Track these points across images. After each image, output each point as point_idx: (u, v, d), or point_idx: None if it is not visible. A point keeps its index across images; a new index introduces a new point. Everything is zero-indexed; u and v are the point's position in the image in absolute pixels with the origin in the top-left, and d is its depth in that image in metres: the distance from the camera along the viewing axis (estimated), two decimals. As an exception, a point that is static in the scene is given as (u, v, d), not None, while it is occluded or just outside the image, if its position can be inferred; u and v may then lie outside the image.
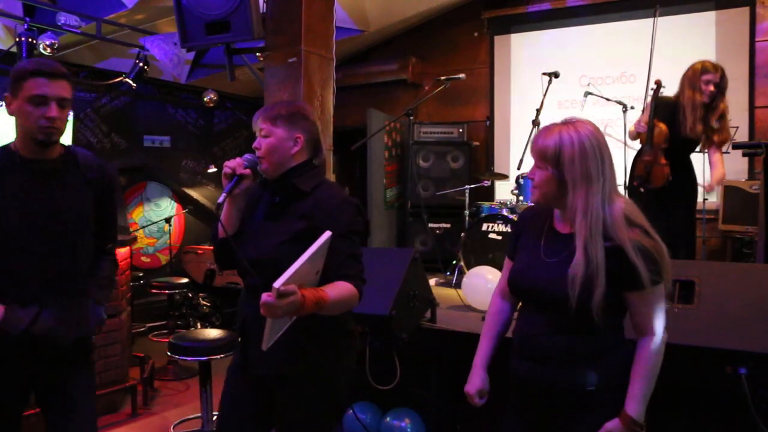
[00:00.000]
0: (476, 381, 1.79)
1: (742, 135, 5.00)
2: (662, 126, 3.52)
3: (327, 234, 1.64)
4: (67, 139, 5.40)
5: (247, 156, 1.88)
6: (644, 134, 3.55)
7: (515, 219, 4.42)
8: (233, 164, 1.84)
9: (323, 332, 1.84)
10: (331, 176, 3.76)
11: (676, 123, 3.53)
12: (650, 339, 1.58)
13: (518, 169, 4.26)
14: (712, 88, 3.48)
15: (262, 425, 1.94)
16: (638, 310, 1.58)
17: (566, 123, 1.60)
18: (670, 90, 3.69)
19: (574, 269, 1.53)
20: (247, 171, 1.84)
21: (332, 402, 1.91)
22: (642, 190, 3.55)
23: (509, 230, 4.42)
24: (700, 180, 3.77)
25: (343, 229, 1.77)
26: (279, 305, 1.46)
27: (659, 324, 1.59)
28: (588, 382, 1.58)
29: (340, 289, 1.69)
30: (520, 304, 1.79)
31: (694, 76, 3.53)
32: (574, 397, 1.60)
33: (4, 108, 1.94)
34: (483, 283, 3.47)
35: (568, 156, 1.54)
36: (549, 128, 1.60)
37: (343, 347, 1.93)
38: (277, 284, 1.46)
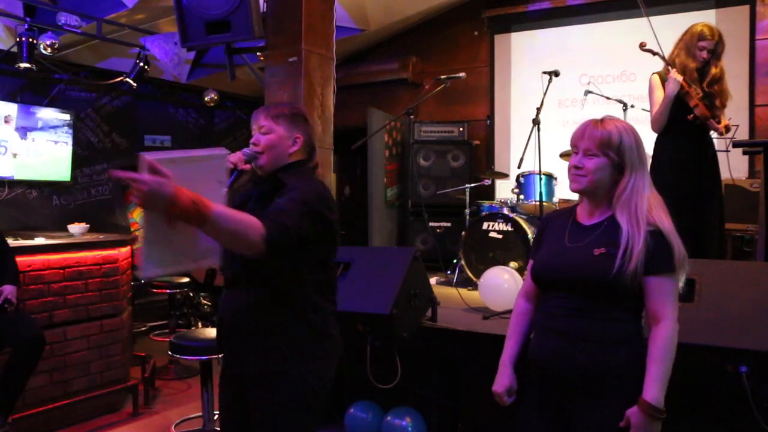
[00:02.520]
0: (504, 380, 1.81)
1: (742, 133, 5.00)
2: (677, 65, 3.49)
3: (222, 150, 1.62)
4: (67, 139, 5.42)
5: (246, 150, 1.90)
6: (688, 83, 3.44)
7: (515, 218, 4.42)
8: (234, 159, 1.88)
9: (297, 334, 1.81)
10: (331, 175, 3.76)
11: (685, 102, 3.50)
12: (666, 324, 1.60)
13: (519, 168, 4.25)
14: (705, 55, 3.46)
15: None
16: (657, 295, 1.61)
17: (609, 117, 1.73)
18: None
19: (614, 247, 1.60)
20: (248, 166, 1.88)
21: (304, 406, 1.83)
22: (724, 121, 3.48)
23: (510, 229, 4.42)
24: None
25: (296, 196, 1.75)
26: (145, 180, 1.36)
27: (674, 312, 1.62)
28: (616, 364, 1.60)
29: (236, 213, 1.55)
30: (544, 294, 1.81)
31: (691, 40, 3.49)
32: (599, 381, 1.61)
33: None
34: (500, 283, 3.45)
35: (628, 142, 1.67)
36: (599, 120, 1.71)
37: (319, 350, 1.86)
38: (147, 155, 1.40)
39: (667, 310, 1.61)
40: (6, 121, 5.10)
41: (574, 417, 1.64)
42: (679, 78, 3.45)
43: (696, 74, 3.49)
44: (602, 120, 1.70)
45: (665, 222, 1.63)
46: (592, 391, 1.61)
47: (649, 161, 3.87)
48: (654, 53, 3.65)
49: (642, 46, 3.67)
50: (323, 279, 1.88)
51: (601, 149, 1.65)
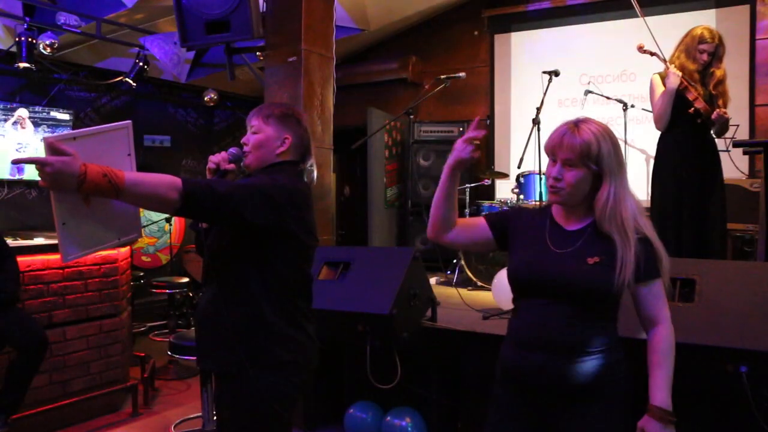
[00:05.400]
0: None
1: (742, 133, 4.99)
2: (676, 66, 3.51)
3: (127, 122, 1.63)
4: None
5: (232, 150, 1.89)
6: (683, 81, 3.47)
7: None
8: (217, 159, 1.86)
9: (253, 336, 1.75)
10: (331, 175, 3.76)
11: (685, 98, 3.51)
12: (664, 327, 1.62)
13: (518, 167, 4.25)
14: (705, 57, 3.48)
15: None
16: (651, 300, 1.62)
17: (584, 120, 1.64)
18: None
19: (606, 256, 1.58)
20: (231, 166, 1.86)
21: (252, 413, 1.75)
22: (723, 114, 3.45)
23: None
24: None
25: (246, 180, 1.75)
26: (48, 161, 1.37)
27: (668, 313, 1.63)
28: (609, 372, 1.59)
29: (151, 175, 1.54)
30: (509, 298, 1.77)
31: (691, 42, 3.50)
32: (585, 390, 1.58)
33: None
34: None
35: (606, 149, 1.59)
36: (575, 126, 1.62)
37: (277, 357, 1.76)
38: (47, 136, 1.41)
39: (664, 313, 1.63)
40: (22, 125, 5.16)
41: (563, 427, 1.61)
42: (678, 72, 3.47)
43: (697, 75, 3.50)
44: (578, 126, 1.61)
45: (649, 227, 1.62)
46: (579, 400, 1.59)
47: (652, 161, 3.92)
48: (652, 54, 3.66)
49: (640, 48, 3.68)
50: (290, 279, 1.80)
51: (581, 160, 1.58)
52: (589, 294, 1.58)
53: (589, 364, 1.58)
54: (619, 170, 1.61)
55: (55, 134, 1.44)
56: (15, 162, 1.49)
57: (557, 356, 1.58)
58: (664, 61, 3.59)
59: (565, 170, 1.61)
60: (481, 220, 1.80)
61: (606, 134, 1.61)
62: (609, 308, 1.62)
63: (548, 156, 1.66)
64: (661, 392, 1.56)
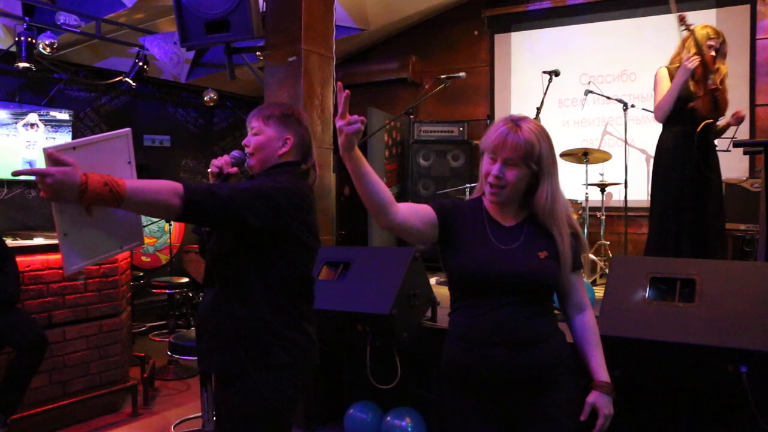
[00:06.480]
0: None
1: (742, 133, 4.99)
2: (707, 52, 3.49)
3: (127, 130, 1.63)
4: (67, 139, 5.42)
5: (234, 153, 1.89)
6: (699, 67, 3.46)
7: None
8: (220, 162, 1.86)
9: (254, 338, 1.75)
10: (331, 175, 3.75)
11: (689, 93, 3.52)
12: (591, 311, 1.76)
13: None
14: (713, 53, 3.51)
15: None
16: (579, 288, 1.74)
17: (523, 119, 1.65)
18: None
19: (551, 250, 1.66)
20: (234, 169, 1.86)
21: (255, 416, 1.75)
22: (716, 123, 3.48)
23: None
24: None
25: (247, 183, 1.74)
26: (49, 172, 1.37)
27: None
28: (559, 358, 1.66)
29: (152, 182, 1.53)
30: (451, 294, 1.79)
31: (701, 39, 3.50)
32: (544, 376, 1.63)
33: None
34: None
35: (546, 150, 1.64)
36: (516, 125, 1.62)
37: (278, 359, 1.76)
38: (47, 147, 1.39)
39: (587, 298, 1.76)
40: (33, 127, 5.21)
41: (532, 417, 1.64)
42: (696, 61, 3.44)
43: (701, 72, 3.52)
44: (519, 125, 1.62)
45: (575, 222, 1.72)
46: (540, 386, 1.64)
47: (652, 161, 3.92)
48: (688, 27, 3.55)
49: (681, 18, 3.57)
50: (291, 281, 1.79)
51: (523, 160, 1.60)
52: (545, 286, 1.67)
53: (548, 350, 1.65)
54: (554, 169, 1.66)
55: (55, 145, 1.43)
56: (15, 174, 1.48)
57: (520, 349, 1.62)
58: (696, 44, 3.51)
59: (507, 169, 1.62)
60: (424, 204, 1.76)
61: (544, 134, 1.64)
62: (551, 296, 1.73)
63: (486, 154, 1.67)
64: (603, 368, 1.70)
